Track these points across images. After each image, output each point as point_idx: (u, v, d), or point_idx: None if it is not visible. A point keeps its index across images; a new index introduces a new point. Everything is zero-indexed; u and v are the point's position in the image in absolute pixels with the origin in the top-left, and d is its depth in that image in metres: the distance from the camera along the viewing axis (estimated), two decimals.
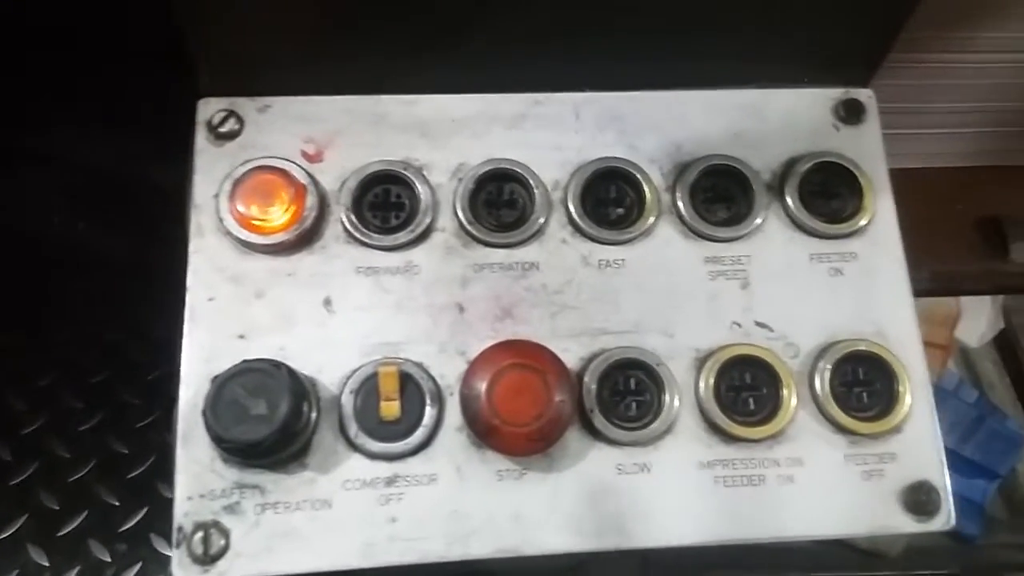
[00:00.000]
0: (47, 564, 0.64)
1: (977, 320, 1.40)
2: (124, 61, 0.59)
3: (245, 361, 0.31)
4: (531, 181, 0.39)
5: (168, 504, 0.70)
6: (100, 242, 0.75)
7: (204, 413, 0.30)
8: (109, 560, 0.64)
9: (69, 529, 0.65)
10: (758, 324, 0.38)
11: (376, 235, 0.37)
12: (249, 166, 0.37)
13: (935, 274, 0.64)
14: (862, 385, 0.38)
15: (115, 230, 0.74)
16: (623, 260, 0.39)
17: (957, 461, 1.27)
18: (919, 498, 0.37)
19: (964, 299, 1.32)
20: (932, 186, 0.67)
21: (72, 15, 0.55)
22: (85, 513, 0.66)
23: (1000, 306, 1.41)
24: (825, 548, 1.21)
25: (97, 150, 0.68)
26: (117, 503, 0.67)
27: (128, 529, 0.66)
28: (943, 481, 0.37)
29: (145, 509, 0.67)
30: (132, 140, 0.68)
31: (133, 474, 0.68)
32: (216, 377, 0.31)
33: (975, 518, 1.28)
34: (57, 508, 0.66)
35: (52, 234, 0.73)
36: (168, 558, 0.67)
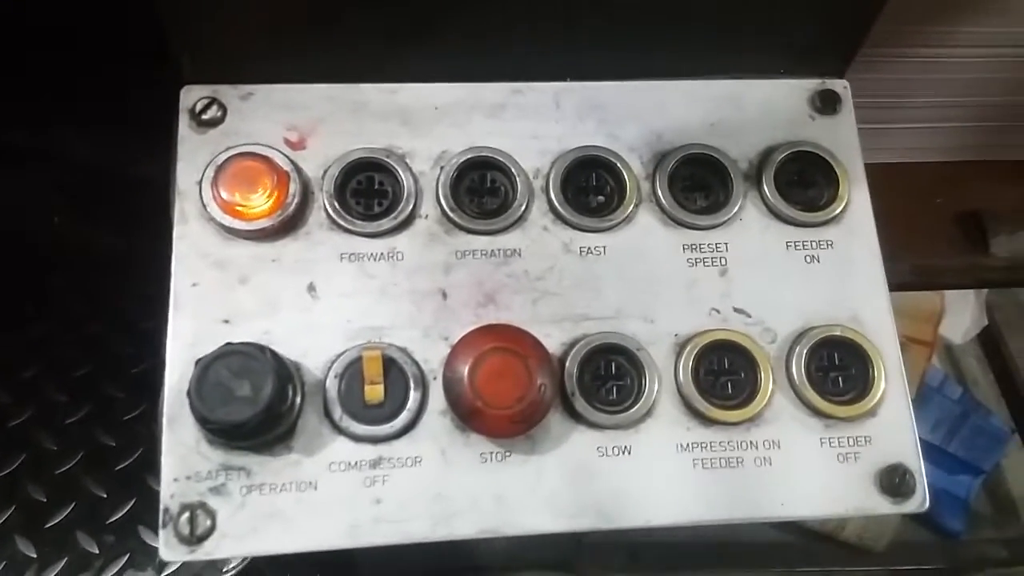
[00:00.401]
0: (35, 556, 0.64)
1: (961, 317, 1.41)
2: (113, 58, 0.59)
3: (229, 344, 0.32)
4: (512, 169, 0.39)
5: (156, 496, 0.70)
6: (84, 236, 0.75)
7: (189, 395, 0.31)
8: (97, 552, 0.65)
9: (56, 521, 0.66)
10: (736, 310, 0.39)
11: (359, 222, 0.38)
12: (231, 152, 0.37)
13: (916, 268, 0.65)
14: (837, 370, 0.39)
15: (99, 224, 0.74)
16: (604, 247, 0.39)
17: (942, 457, 1.29)
18: (894, 480, 0.37)
19: (948, 296, 1.34)
20: (912, 180, 0.68)
21: (69, 15, 0.55)
22: (72, 505, 0.66)
23: (983, 303, 1.42)
24: (811, 543, 1.22)
25: (80, 145, 0.68)
26: (104, 495, 0.67)
27: (116, 521, 0.66)
28: (918, 464, 0.38)
29: (132, 501, 0.67)
30: (117, 135, 0.69)
31: (120, 466, 0.69)
32: (200, 359, 0.31)
33: (960, 514, 1.29)
34: (44, 500, 0.66)
35: (37, 229, 0.73)
36: (156, 549, 0.67)
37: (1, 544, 0.64)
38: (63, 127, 0.67)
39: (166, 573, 0.64)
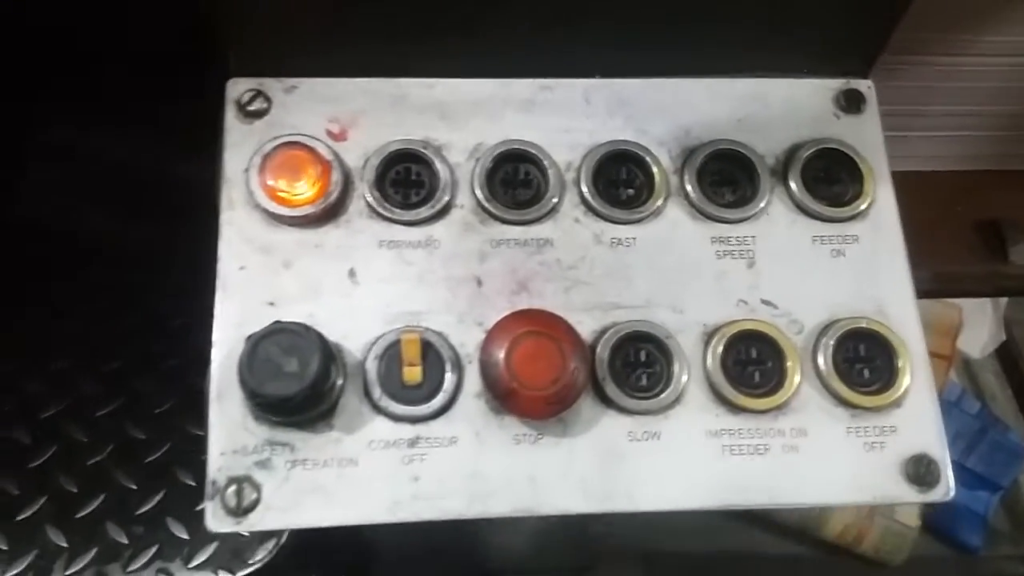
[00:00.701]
0: (65, 545, 0.65)
1: (979, 331, 1.41)
2: (142, 57, 0.61)
3: (278, 322, 0.33)
4: (545, 162, 0.40)
5: (184, 489, 0.72)
6: (117, 233, 0.76)
7: (240, 369, 0.32)
8: (126, 542, 0.66)
9: (87, 511, 0.67)
10: (763, 302, 0.40)
11: (398, 210, 0.39)
12: (277, 142, 0.38)
13: (935, 275, 0.66)
14: (863, 361, 0.39)
15: (132, 221, 0.76)
16: (634, 239, 0.40)
17: (960, 472, 1.27)
18: (919, 470, 0.38)
19: (966, 310, 1.34)
20: (932, 189, 0.69)
21: (112, 15, 0.57)
22: (102, 496, 0.67)
23: (1002, 317, 1.42)
24: (828, 556, 1.22)
25: (116, 142, 0.70)
26: (134, 487, 0.68)
27: (145, 512, 0.67)
28: (943, 454, 0.38)
29: (162, 493, 0.68)
30: (150, 133, 0.71)
31: (150, 459, 0.70)
32: (251, 335, 0.32)
33: (977, 529, 1.28)
34: (75, 491, 0.67)
35: (71, 225, 0.75)
36: (184, 541, 0.68)
37: (32, 533, 0.65)
38: (98, 124, 0.69)
39: (193, 564, 0.65)
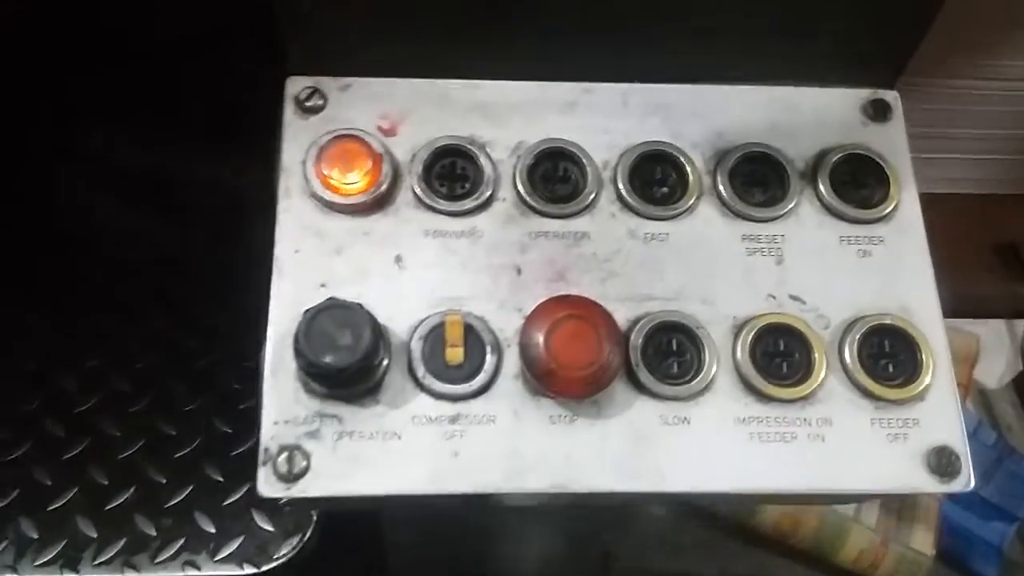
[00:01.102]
0: (95, 535, 0.67)
1: (996, 362, 1.41)
2: (177, 64, 0.63)
3: (332, 298, 0.35)
4: (583, 160, 0.42)
5: (212, 484, 0.73)
6: (150, 235, 0.79)
7: (296, 341, 0.34)
8: (154, 534, 0.67)
9: (117, 503, 0.68)
10: (791, 297, 0.41)
11: (443, 202, 0.41)
12: (332, 135, 0.41)
13: (954, 296, 0.67)
14: (888, 356, 0.41)
15: (165, 224, 0.78)
16: (667, 234, 0.42)
17: (975, 503, 1.27)
18: (941, 461, 0.39)
19: (983, 340, 1.34)
20: (951, 211, 0.70)
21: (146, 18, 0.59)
22: (132, 489, 0.69)
23: (1019, 347, 1.42)
24: None
25: (148, 149, 0.72)
26: (163, 481, 0.70)
27: (173, 506, 0.68)
28: (963, 447, 0.40)
29: (190, 488, 0.70)
30: (185, 139, 0.73)
31: (179, 455, 0.71)
32: (308, 309, 0.34)
33: (992, 560, 1.28)
34: (106, 483, 0.69)
35: (104, 226, 0.77)
36: (211, 535, 0.70)
37: (63, 523, 0.67)
38: (132, 125, 0.71)
39: (219, 557, 0.66)
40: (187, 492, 0.69)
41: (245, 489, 0.64)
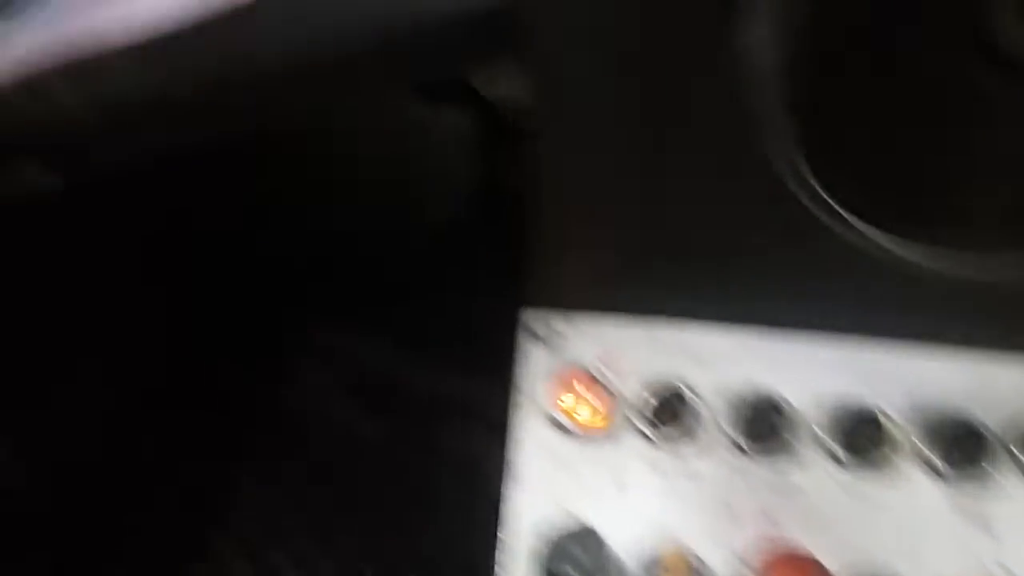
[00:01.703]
0: None
1: None
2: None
3: (579, 521, 0.39)
4: (786, 409, 0.46)
5: None
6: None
7: (550, 560, 0.37)
8: None
9: None
10: (1002, 566, 0.42)
11: (662, 441, 0.45)
12: (565, 366, 0.46)
13: None
14: None
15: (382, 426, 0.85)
16: (871, 491, 0.44)
17: None
18: None
19: None
20: None
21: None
22: None
23: None
24: None
25: (375, 353, 0.81)
26: None
27: None
28: None
29: None
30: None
31: None
32: (558, 531, 0.38)
33: None
34: None
35: (327, 423, 0.85)
36: None
37: None
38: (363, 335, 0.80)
39: None
40: None
41: None
